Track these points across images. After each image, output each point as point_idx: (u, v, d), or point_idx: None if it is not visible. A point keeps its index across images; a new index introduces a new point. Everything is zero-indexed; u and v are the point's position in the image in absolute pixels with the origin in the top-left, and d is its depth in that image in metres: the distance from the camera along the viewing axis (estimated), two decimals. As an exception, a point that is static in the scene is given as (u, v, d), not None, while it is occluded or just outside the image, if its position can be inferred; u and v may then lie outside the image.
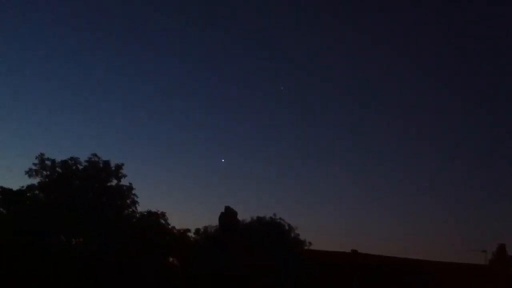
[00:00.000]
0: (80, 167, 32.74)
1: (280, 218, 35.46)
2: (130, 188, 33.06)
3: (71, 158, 32.71)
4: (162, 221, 33.45)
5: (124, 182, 33.21)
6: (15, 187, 31.80)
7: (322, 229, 57.54)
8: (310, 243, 35.43)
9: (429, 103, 74.69)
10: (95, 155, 33.01)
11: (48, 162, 32.18)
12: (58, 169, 32.34)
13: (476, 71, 75.09)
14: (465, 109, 73.86)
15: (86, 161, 32.81)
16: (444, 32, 72.52)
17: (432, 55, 75.12)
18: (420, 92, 74.41)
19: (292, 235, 35.40)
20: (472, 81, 74.50)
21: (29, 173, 31.75)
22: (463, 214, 66.08)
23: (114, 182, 33.19)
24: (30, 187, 31.80)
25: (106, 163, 33.05)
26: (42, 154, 32.17)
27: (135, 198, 33.11)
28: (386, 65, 74.50)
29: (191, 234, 35.43)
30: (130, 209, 33.19)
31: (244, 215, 36.40)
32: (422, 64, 75.44)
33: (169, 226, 33.80)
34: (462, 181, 70.69)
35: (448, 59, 74.75)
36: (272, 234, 34.06)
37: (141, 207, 33.40)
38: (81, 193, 31.71)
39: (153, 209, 33.60)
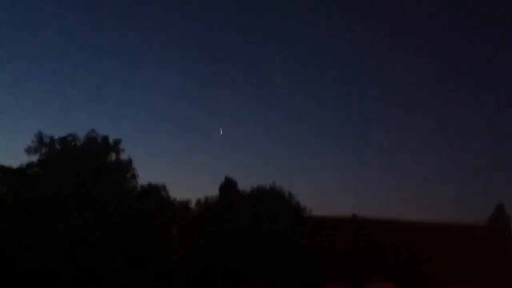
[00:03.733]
0: (79, 143, 32.92)
1: (280, 186, 35.75)
2: (129, 162, 33.34)
3: (69, 135, 32.97)
4: (163, 194, 33.72)
5: (123, 156, 33.50)
6: (15, 165, 32.06)
7: (322, 194, 57.59)
8: (311, 209, 35.76)
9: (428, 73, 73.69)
10: (93, 131, 33.29)
11: (46, 140, 32.34)
12: (57, 146, 32.51)
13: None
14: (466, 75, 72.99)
15: (84, 137, 32.99)
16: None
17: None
18: (426, 59, 73.20)
19: (293, 202, 35.70)
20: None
21: (28, 150, 32.00)
22: (462, 175, 66.11)
23: (113, 157, 33.41)
24: (30, 165, 32.05)
25: (105, 138, 33.23)
26: (40, 132, 32.45)
27: (135, 172, 33.43)
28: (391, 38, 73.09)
29: (192, 206, 35.79)
30: (130, 183, 33.44)
31: (244, 184, 36.59)
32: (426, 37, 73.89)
33: (170, 199, 34.08)
34: (461, 141, 70.43)
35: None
36: (272, 203, 34.31)
37: (141, 180, 33.72)
38: (80, 169, 31.87)
39: (153, 182, 33.87)
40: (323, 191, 56.56)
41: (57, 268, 28.38)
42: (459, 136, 69.31)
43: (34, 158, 32.21)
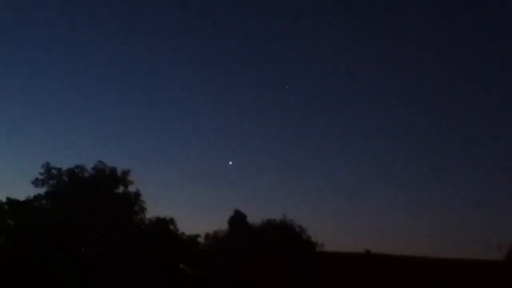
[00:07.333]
0: (87, 175, 32.56)
1: (290, 220, 35.08)
2: (137, 194, 32.84)
3: (77, 166, 32.55)
4: (171, 227, 33.09)
5: (131, 188, 33.04)
6: (21, 197, 31.64)
7: (334, 229, 56.62)
8: (322, 244, 35.00)
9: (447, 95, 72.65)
10: (101, 162, 32.93)
11: (54, 171, 32.02)
12: (65, 178, 32.17)
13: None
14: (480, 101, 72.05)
15: (92, 168, 32.68)
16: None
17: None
18: (443, 83, 72.45)
19: (304, 236, 34.96)
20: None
21: (36, 183, 31.62)
22: (477, 210, 64.73)
23: (121, 189, 32.99)
24: (37, 197, 31.66)
25: (113, 170, 32.84)
26: (47, 163, 32.09)
27: (143, 205, 32.90)
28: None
29: (201, 240, 35.09)
30: (138, 216, 32.91)
31: (254, 217, 35.95)
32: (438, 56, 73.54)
33: (178, 232, 33.42)
34: (475, 176, 69.19)
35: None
36: (282, 237, 33.64)
37: (149, 213, 33.16)
38: (88, 202, 31.44)
39: (161, 215, 33.27)
40: (336, 225, 55.71)
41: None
42: (476, 168, 68.23)
43: (41, 190, 31.83)
